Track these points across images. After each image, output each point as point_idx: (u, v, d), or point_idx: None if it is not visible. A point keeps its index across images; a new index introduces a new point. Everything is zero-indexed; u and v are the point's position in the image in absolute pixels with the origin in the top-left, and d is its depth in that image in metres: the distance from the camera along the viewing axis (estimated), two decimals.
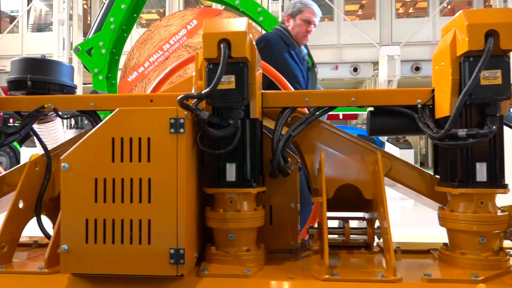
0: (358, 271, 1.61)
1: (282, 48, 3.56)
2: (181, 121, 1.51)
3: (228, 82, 1.67)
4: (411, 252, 1.89)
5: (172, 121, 1.51)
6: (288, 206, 1.92)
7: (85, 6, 21.02)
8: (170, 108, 1.53)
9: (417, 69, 18.48)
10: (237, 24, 1.67)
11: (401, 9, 23.00)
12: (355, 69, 19.38)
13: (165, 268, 1.49)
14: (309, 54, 4.51)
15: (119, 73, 5.17)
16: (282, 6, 15.90)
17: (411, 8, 23.60)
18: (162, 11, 22.45)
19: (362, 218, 2.03)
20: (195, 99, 1.64)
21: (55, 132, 2.35)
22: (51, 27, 22.11)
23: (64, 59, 19.09)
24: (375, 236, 1.92)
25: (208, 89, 1.59)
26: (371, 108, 1.91)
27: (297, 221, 1.95)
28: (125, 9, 4.91)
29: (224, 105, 1.67)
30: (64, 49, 19.17)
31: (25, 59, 2.13)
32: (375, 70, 18.90)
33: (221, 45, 1.61)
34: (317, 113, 1.87)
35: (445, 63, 1.69)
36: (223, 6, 5.72)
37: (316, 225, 2.18)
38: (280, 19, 6.32)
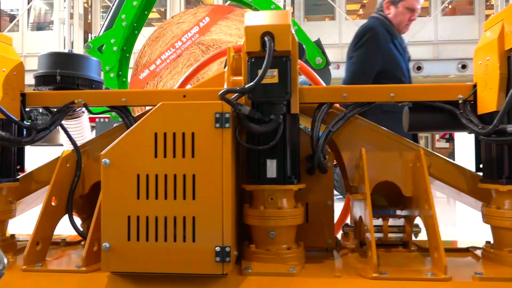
0: (405, 269, 1.58)
1: (387, 38, 3.36)
2: (227, 115, 1.47)
3: (271, 76, 1.63)
4: (450, 250, 1.86)
5: (218, 115, 1.47)
6: (325, 203, 1.88)
7: (85, 5, 20.93)
8: (215, 103, 1.49)
9: (419, 68, 18.46)
10: (280, 16, 1.63)
11: None
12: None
13: (210, 267, 1.46)
14: (323, 52, 4.46)
15: (130, 71, 5.13)
16: (284, 5, 15.85)
17: None
18: (163, 10, 22.37)
19: (398, 216, 2.00)
20: (235, 94, 1.60)
21: (81, 128, 2.30)
22: (51, 26, 22.04)
23: None
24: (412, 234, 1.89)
25: (252, 83, 1.56)
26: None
27: (333, 218, 1.92)
28: (136, 6, 4.87)
29: (267, 99, 1.64)
30: (64, 48, 19.09)
31: (53, 54, 2.09)
32: None
33: (266, 38, 1.57)
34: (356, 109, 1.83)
35: (491, 57, 1.65)
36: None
37: (348, 222, 2.15)
38: None
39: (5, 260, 1.40)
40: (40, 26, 24.02)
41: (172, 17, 5.01)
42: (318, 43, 4.62)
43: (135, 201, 1.49)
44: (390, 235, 1.90)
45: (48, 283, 1.56)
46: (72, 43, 19.35)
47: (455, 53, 18.46)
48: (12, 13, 24.12)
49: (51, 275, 1.59)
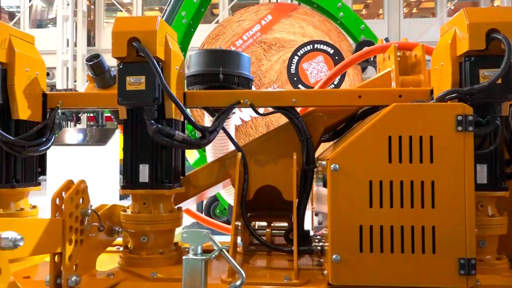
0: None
1: None
2: (470, 118, 1.38)
3: (485, 76, 1.54)
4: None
5: (460, 118, 1.38)
6: None
7: (87, 3, 20.60)
8: (455, 104, 1.40)
9: None
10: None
11: (405, 9, 23.04)
12: (363, 69, 19.34)
13: (453, 280, 1.36)
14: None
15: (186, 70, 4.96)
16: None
17: (414, 8, 23.69)
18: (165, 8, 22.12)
19: None
20: (451, 95, 1.51)
21: (228, 129, 2.18)
22: (49, 24, 21.66)
23: (68, 56, 18.71)
24: None
25: (486, 83, 1.46)
26: None
27: None
28: (197, 3, 4.74)
29: (488, 101, 1.54)
30: (68, 46, 18.78)
31: (209, 51, 1.97)
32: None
33: (494, 36, 1.48)
34: None
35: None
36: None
37: None
38: None
39: (244, 274, 1.29)
40: (38, 23, 23.59)
41: (232, 15, 4.88)
42: (386, 42, 4.52)
43: (368, 210, 1.39)
44: None
45: None
46: (76, 41, 19.03)
47: None
48: (9, 10, 23.65)
49: None
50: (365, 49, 2.21)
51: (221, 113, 1.84)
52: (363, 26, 4.58)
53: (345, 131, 1.98)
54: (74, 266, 1.47)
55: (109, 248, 1.84)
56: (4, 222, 1.14)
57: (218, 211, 6.02)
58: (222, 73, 1.88)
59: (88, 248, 1.56)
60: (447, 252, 1.37)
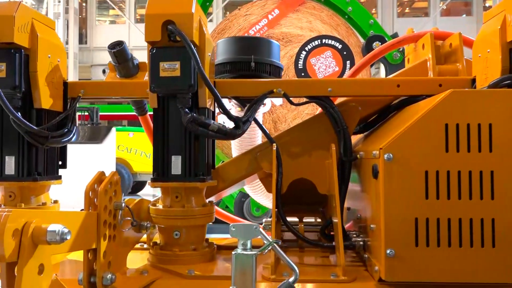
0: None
1: None
2: None
3: None
4: None
5: None
6: None
7: (79, 0, 20.33)
8: None
9: None
10: None
11: (398, 8, 23.13)
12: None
13: None
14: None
15: None
16: None
17: (407, 8, 23.79)
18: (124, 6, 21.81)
19: None
20: (506, 81, 1.44)
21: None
22: None
23: None
24: None
25: None
26: None
27: None
28: None
29: None
30: (67, 44, 18.50)
31: (239, 38, 1.89)
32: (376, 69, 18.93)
33: None
34: None
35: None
36: None
37: None
38: None
39: (297, 271, 1.21)
40: None
41: (238, 9, 4.79)
42: (395, 37, 4.48)
43: (423, 202, 1.31)
44: None
45: None
46: (68, 38, 18.76)
47: None
48: None
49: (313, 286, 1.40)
50: (397, 38, 2.14)
51: (253, 103, 1.75)
52: (372, 21, 4.52)
53: (377, 123, 1.91)
54: (108, 264, 1.37)
55: None
56: (46, 214, 1.04)
57: (255, 209, 5.71)
58: (254, 61, 1.80)
59: (120, 245, 1.46)
60: (507, 246, 1.29)
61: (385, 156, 1.32)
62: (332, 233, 1.77)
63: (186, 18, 1.51)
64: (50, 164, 1.73)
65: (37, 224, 0.96)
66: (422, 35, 2.06)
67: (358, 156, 1.64)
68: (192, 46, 1.47)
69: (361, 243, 1.59)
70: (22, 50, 1.59)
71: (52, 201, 1.76)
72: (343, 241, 1.66)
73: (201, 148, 1.62)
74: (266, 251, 1.22)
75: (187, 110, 1.53)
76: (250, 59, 1.79)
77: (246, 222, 2.78)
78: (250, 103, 1.75)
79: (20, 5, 1.55)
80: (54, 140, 1.67)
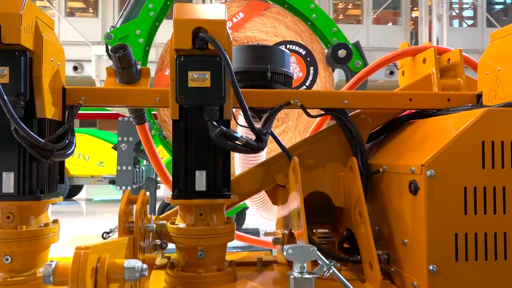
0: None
1: None
2: None
3: None
4: None
5: None
6: None
7: None
8: None
9: (391, 73, 18.79)
10: None
11: (333, 14, 23.92)
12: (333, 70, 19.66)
13: None
14: (361, 55, 4.49)
15: (151, 66, 4.63)
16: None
17: (341, 15, 24.71)
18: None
19: None
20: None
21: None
22: None
23: None
24: None
25: None
26: None
27: None
28: None
29: None
30: None
31: (251, 47, 1.81)
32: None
33: None
34: None
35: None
36: None
37: None
38: None
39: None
40: None
41: None
42: (357, 45, 4.62)
43: (463, 217, 1.35)
44: None
45: None
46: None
47: None
48: None
49: None
50: (397, 51, 2.18)
51: (270, 115, 1.70)
52: (335, 28, 4.61)
53: (381, 135, 1.94)
54: None
55: None
56: (99, 247, 0.91)
57: None
58: (271, 71, 1.74)
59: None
60: None
61: (428, 172, 1.34)
62: (345, 245, 1.77)
63: (219, 25, 1.42)
64: (52, 180, 1.55)
65: (110, 260, 0.84)
66: (419, 49, 2.13)
67: (380, 169, 1.64)
68: (227, 55, 1.39)
69: (385, 256, 1.60)
70: (27, 53, 1.41)
71: (52, 221, 1.58)
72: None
73: (226, 163, 1.54)
74: (327, 274, 1.18)
75: (215, 123, 1.45)
76: (266, 69, 1.74)
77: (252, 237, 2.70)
78: (267, 115, 1.70)
79: (27, 2, 1.37)
80: (59, 153, 1.50)
